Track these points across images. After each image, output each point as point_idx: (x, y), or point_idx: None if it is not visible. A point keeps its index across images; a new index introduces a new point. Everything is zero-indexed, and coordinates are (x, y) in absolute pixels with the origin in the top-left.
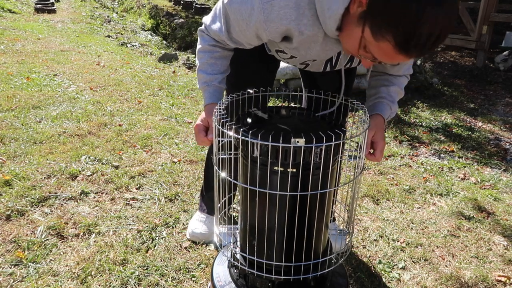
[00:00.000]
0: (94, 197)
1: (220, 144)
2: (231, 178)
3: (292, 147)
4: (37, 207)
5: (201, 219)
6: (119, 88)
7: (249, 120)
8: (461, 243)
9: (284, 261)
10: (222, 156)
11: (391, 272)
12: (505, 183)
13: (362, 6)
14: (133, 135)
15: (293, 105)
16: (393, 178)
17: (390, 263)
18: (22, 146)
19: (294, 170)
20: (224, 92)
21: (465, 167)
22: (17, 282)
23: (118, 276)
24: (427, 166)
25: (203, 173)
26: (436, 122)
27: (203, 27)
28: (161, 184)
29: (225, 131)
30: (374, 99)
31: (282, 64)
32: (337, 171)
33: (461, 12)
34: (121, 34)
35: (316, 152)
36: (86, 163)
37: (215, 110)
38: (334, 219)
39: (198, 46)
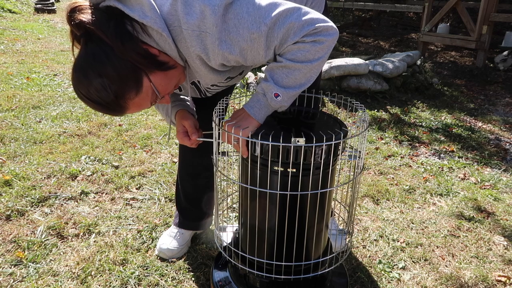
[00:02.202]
0: (94, 197)
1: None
2: (230, 178)
3: (292, 147)
4: (37, 207)
5: (171, 234)
6: None
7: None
8: (461, 243)
9: (284, 261)
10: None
11: (391, 272)
12: (505, 183)
13: None
14: (133, 135)
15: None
16: (393, 178)
17: (390, 263)
18: (22, 146)
19: (294, 170)
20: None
21: (465, 167)
22: (17, 282)
23: (118, 276)
24: (427, 166)
25: (175, 184)
26: (436, 122)
27: None
28: (161, 184)
29: (226, 131)
30: None
31: None
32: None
33: (461, 12)
34: None
35: (317, 152)
36: (86, 163)
37: (215, 110)
38: (333, 215)
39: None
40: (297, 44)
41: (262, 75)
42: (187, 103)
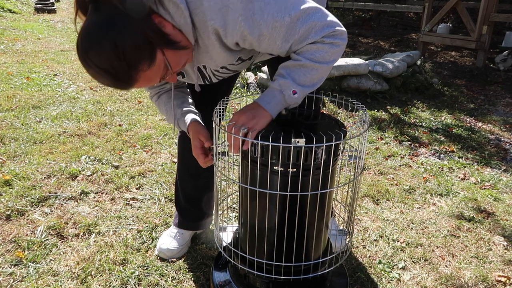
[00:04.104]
0: (94, 197)
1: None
2: (230, 179)
3: (292, 147)
4: (37, 207)
5: (171, 234)
6: None
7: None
8: (461, 243)
9: (284, 261)
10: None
11: (391, 272)
12: (505, 183)
13: None
14: (133, 135)
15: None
16: (393, 178)
17: (390, 263)
18: (22, 146)
19: (294, 170)
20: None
21: (465, 167)
22: (17, 282)
23: (118, 276)
24: (427, 166)
25: (175, 185)
26: (436, 122)
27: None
28: (161, 184)
29: (226, 131)
30: None
31: None
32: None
33: (461, 12)
34: None
35: (317, 152)
36: (86, 163)
37: (215, 110)
38: (333, 216)
39: (153, 102)
40: (316, 44)
41: (262, 75)
42: (195, 110)
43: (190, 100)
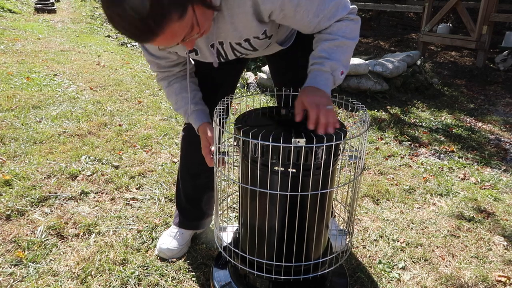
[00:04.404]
0: (94, 197)
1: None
2: (230, 179)
3: (292, 148)
4: (37, 207)
5: (171, 234)
6: (119, 88)
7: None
8: (461, 243)
9: (284, 261)
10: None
11: (391, 272)
12: (505, 183)
13: None
14: (133, 135)
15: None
16: (393, 178)
17: (390, 263)
18: (22, 146)
19: (294, 170)
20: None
21: (465, 167)
22: (17, 282)
23: (118, 276)
24: (427, 166)
25: (176, 184)
26: (436, 122)
27: (152, 70)
28: (161, 184)
29: (226, 131)
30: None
31: None
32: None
33: (461, 12)
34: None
35: (317, 152)
36: (86, 163)
37: (215, 110)
38: (333, 216)
39: (163, 89)
40: (343, 22)
41: (262, 75)
42: (205, 107)
43: (200, 94)
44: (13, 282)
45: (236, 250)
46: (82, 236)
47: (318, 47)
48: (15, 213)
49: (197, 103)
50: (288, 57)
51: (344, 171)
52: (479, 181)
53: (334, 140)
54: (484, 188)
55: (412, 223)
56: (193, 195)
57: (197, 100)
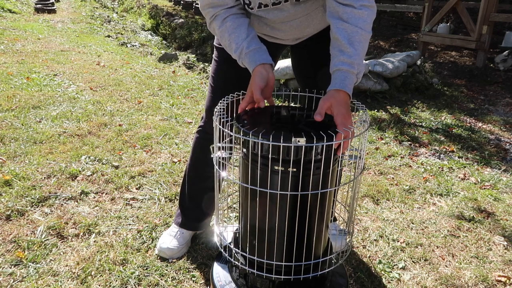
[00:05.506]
0: (94, 197)
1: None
2: (231, 178)
3: (293, 147)
4: (37, 207)
5: (171, 233)
6: (119, 88)
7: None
8: (461, 243)
9: (284, 261)
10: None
11: (391, 272)
12: (505, 183)
13: None
14: (133, 135)
15: (294, 105)
16: (393, 178)
17: (390, 263)
18: (22, 146)
19: (295, 169)
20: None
21: (465, 167)
22: (17, 282)
23: (118, 276)
24: (427, 166)
25: (181, 184)
26: (436, 122)
27: (204, 12)
28: (161, 184)
29: (227, 130)
30: (331, 69)
31: (282, 64)
32: (338, 171)
33: (461, 12)
34: (121, 34)
35: (317, 152)
36: (86, 163)
37: (215, 110)
38: (335, 219)
39: (215, 32)
40: (363, 10)
41: None
42: (264, 46)
43: (254, 32)
44: (13, 282)
45: (237, 250)
46: (82, 236)
47: (345, 42)
48: (15, 213)
49: (251, 42)
50: (312, 50)
51: (344, 171)
52: (479, 181)
53: (334, 140)
54: (484, 188)
55: (412, 223)
56: (198, 196)
57: (250, 39)
